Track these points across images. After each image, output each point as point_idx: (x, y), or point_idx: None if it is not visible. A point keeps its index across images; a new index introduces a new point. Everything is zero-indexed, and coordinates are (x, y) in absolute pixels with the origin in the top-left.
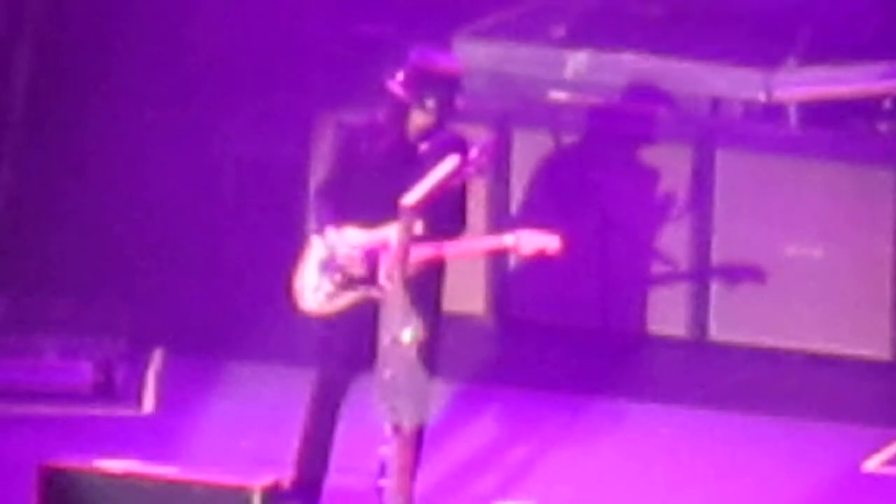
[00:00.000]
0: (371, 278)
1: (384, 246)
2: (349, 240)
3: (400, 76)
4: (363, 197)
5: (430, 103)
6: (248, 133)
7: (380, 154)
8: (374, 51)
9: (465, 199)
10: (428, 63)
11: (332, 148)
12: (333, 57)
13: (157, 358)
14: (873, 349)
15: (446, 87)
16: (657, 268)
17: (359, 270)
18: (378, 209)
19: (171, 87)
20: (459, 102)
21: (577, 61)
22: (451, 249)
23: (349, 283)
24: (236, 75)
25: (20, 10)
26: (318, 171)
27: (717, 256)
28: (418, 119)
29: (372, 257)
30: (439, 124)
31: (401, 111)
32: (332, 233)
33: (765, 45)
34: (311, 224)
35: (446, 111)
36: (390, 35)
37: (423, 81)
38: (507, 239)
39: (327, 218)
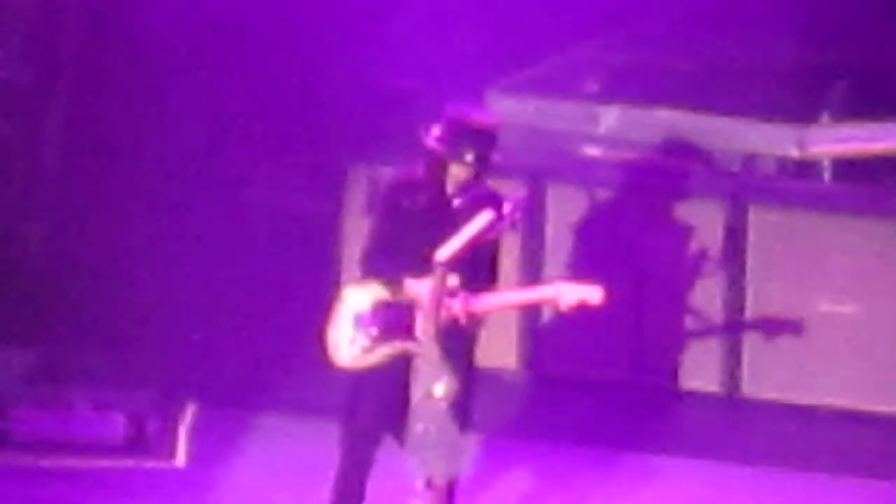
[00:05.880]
0: (408, 332)
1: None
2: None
3: (436, 130)
4: (403, 250)
5: (468, 157)
6: (279, 185)
7: (418, 208)
8: (407, 105)
9: (498, 253)
10: (465, 117)
11: (380, 201)
12: (366, 110)
13: (188, 410)
14: None
15: (483, 140)
16: (690, 323)
17: (447, 317)
18: (416, 263)
19: (205, 140)
20: (496, 156)
21: (611, 117)
22: (491, 301)
23: (385, 337)
24: (268, 128)
25: (55, 63)
26: (372, 225)
27: (750, 312)
28: (455, 173)
29: (410, 311)
30: (476, 178)
31: (438, 165)
32: (411, 281)
33: (799, 100)
34: (375, 277)
35: (483, 165)
36: (423, 89)
37: (460, 135)
38: (547, 291)
39: (392, 270)
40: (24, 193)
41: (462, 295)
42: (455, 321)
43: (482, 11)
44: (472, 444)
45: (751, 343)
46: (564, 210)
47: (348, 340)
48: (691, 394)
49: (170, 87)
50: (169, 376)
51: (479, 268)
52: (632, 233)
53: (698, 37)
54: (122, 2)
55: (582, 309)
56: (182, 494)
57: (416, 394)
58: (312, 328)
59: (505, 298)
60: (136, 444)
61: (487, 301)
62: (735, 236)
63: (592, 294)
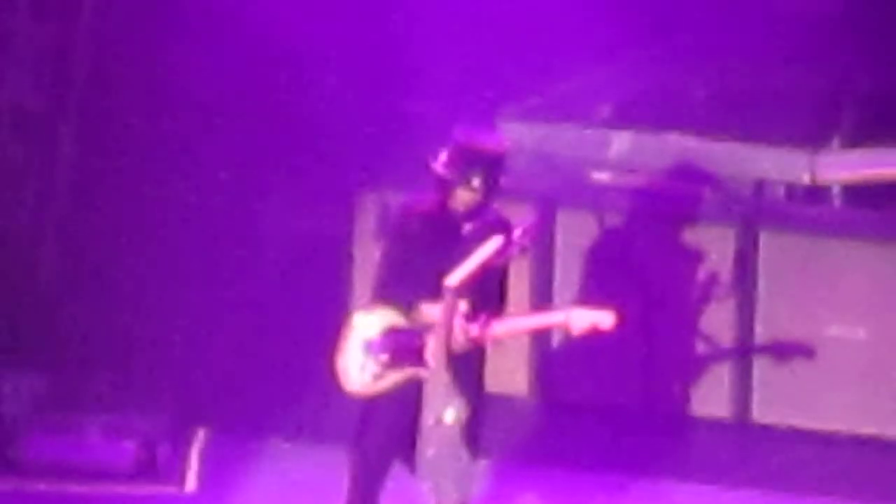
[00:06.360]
0: (419, 358)
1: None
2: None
3: (444, 155)
4: (414, 276)
5: (476, 182)
6: (290, 210)
7: (427, 234)
8: (417, 129)
9: (506, 279)
10: (472, 141)
11: (390, 227)
12: (376, 134)
13: (199, 436)
14: None
15: (491, 165)
16: (700, 348)
17: (464, 341)
18: (426, 288)
19: (215, 163)
20: (503, 181)
21: (621, 142)
22: (502, 327)
23: (395, 362)
24: (279, 153)
25: (66, 87)
26: (383, 251)
27: (760, 337)
28: (462, 198)
29: (420, 337)
30: (484, 203)
31: (446, 190)
32: (427, 306)
33: (809, 126)
34: (391, 302)
35: (491, 190)
36: (434, 113)
37: (467, 160)
38: (557, 316)
39: (407, 294)
40: (36, 217)
41: (482, 318)
42: (476, 343)
43: (492, 37)
44: (482, 469)
45: (761, 368)
46: (574, 235)
47: (358, 367)
48: (702, 419)
49: (181, 111)
50: (179, 402)
51: (487, 293)
52: (642, 258)
53: (709, 62)
54: (134, 25)
55: (593, 334)
56: None
57: (427, 419)
58: (323, 354)
59: (517, 323)
60: (147, 469)
61: (501, 326)
62: (745, 261)
63: (604, 319)
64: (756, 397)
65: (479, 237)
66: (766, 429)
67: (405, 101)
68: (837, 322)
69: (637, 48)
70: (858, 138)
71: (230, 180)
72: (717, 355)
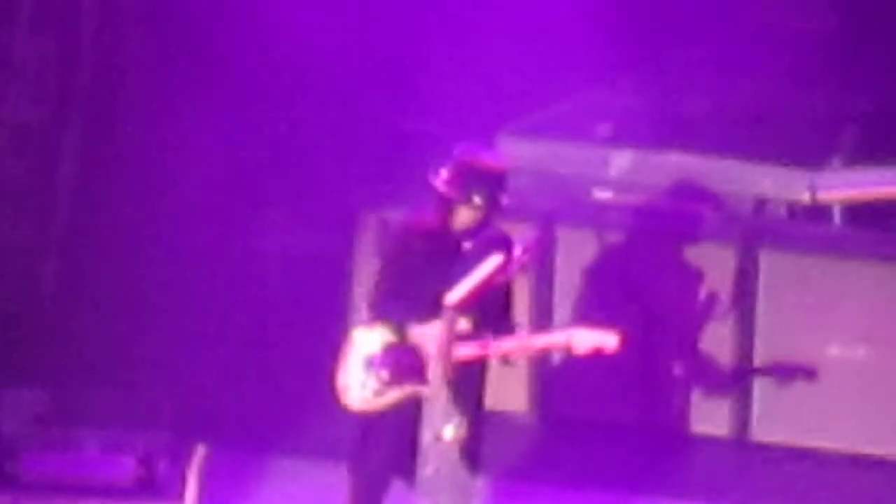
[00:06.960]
0: (420, 375)
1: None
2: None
3: (445, 173)
4: (413, 293)
5: (477, 199)
6: (291, 226)
7: (427, 251)
8: (418, 146)
9: (511, 296)
10: (474, 159)
11: (389, 244)
12: (377, 152)
13: (199, 452)
14: None
15: (492, 183)
16: (700, 366)
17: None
18: (425, 306)
19: (216, 181)
20: (504, 199)
21: (622, 160)
22: (503, 347)
23: (396, 380)
24: (280, 169)
25: (65, 100)
26: (381, 268)
27: (760, 356)
28: (464, 215)
29: (421, 354)
30: (485, 221)
31: (447, 208)
32: (416, 327)
33: (809, 145)
34: (382, 321)
35: (492, 207)
36: (435, 131)
37: (469, 177)
38: (560, 337)
39: (399, 313)
40: (38, 231)
41: (488, 337)
42: (480, 362)
43: (494, 55)
44: (481, 486)
45: (760, 387)
46: (575, 253)
47: (359, 383)
48: (701, 437)
49: (182, 127)
50: (179, 418)
51: (490, 311)
52: (642, 276)
53: (710, 81)
54: (135, 38)
55: (596, 355)
56: None
57: (426, 436)
58: (323, 370)
59: (517, 344)
60: (146, 486)
61: (499, 346)
62: (745, 280)
63: (608, 341)
64: (755, 416)
65: (480, 254)
66: (764, 447)
67: (407, 119)
68: (837, 341)
69: (638, 66)
70: (859, 157)
71: (231, 196)
72: (717, 374)
